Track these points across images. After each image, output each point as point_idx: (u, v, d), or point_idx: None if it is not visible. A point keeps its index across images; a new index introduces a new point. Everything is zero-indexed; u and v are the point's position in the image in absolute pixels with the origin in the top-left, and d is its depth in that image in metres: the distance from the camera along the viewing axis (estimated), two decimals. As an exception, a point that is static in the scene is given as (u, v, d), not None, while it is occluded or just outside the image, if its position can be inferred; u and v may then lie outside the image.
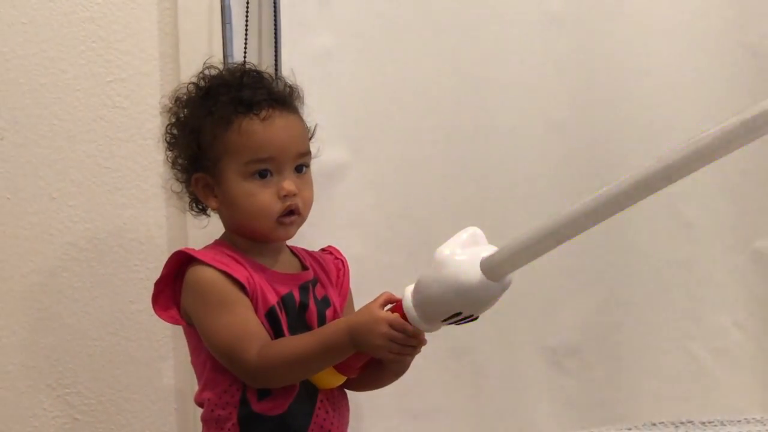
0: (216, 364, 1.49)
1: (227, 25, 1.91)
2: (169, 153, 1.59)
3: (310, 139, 1.59)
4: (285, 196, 1.48)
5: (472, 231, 1.34)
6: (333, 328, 1.44)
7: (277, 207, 1.48)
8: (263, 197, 1.48)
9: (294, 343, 1.44)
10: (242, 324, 1.45)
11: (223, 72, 1.59)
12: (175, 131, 1.58)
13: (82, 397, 1.95)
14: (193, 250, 1.52)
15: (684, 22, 2.04)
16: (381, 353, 1.41)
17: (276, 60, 1.92)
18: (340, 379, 1.51)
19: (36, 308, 1.93)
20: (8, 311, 1.91)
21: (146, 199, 1.95)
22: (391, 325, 1.38)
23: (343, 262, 1.65)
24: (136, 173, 1.95)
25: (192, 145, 1.53)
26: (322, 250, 1.66)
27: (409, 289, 1.37)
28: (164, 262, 1.53)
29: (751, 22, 2.03)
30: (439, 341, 2.00)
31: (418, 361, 1.99)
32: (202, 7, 1.92)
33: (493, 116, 2.02)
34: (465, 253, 1.30)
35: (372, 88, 1.98)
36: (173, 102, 1.58)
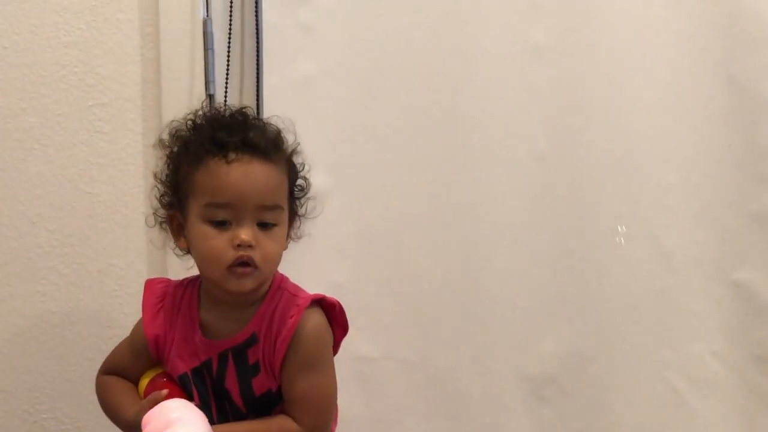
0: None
1: (209, 51, 1.91)
2: (158, 191, 1.53)
3: (298, 194, 1.52)
4: (238, 245, 1.39)
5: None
6: (129, 417, 1.48)
7: (229, 255, 1.40)
8: (216, 242, 1.40)
9: (110, 396, 1.56)
10: (117, 349, 1.62)
11: (214, 110, 1.53)
12: (165, 168, 1.53)
13: (58, 422, 1.94)
14: (154, 282, 1.56)
15: (666, 54, 2.04)
16: None
17: (258, 86, 1.93)
18: None
19: (14, 332, 1.92)
20: (-15, 335, 1.91)
21: (126, 224, 1.95)
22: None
23: (291, 325, 1.46)
24: (116, 198, 1.95)
25: (171, 181, 1.49)
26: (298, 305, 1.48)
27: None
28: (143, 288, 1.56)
29: (736, 56, 2.03)
30: (418, 369, 2.01)
31: (397, 389, 1.99)
32: (185, 33, 1.92)
33: (474, 145, 2.02)
34: None
35: (353, 115, 1.98)
36: (168, 137, 1.52)
